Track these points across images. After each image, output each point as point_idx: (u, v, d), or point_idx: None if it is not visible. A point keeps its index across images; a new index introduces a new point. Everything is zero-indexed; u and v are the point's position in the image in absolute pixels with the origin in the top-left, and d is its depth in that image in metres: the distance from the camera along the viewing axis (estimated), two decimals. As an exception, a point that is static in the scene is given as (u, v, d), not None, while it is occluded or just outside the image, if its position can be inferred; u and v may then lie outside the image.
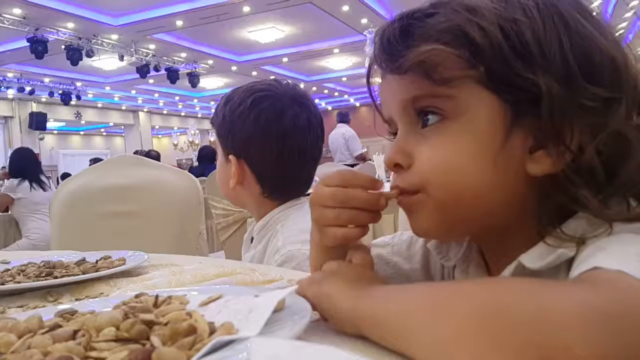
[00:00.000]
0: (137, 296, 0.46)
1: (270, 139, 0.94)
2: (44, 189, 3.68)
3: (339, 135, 5.84)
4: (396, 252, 0.62)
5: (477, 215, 0.46)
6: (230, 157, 0.96)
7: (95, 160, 6.19)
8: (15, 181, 3.63)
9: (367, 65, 0.52)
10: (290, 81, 1.03)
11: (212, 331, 0.36)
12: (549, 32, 0.42)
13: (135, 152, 6.47)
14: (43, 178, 3.81)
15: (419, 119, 0.47)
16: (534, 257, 0.41)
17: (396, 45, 0.45)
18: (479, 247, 0.53)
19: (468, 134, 0.44)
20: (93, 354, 0.34)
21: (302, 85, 10.65)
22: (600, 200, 0.40)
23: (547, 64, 0.42)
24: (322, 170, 1.02)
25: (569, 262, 0.39)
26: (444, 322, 0.31)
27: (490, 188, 0.44)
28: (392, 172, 0.49)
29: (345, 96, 15.20)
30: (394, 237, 0.64)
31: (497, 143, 0.43)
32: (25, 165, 3.71)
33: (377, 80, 0.51)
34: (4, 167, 6.75)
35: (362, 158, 5.70)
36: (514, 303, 0.29)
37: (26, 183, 3.61)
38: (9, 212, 3.69)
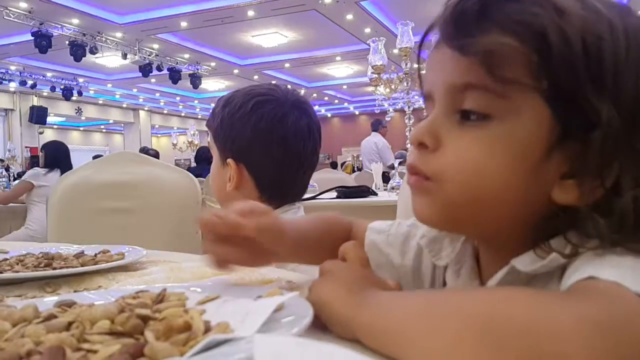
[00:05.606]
0: (138, 292, 0.45)
1: (271, 144, 0.93)
2: None
3: (371, 143, 5.80)
4: (391, 242, 0.60)
5: (485, 223, 0.44)
6: (229, 161, 0.95)
7: (96, 158, 6.19)
8: (43, 170, 3.68)
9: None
10: (290, 86, 1.02)
11: (208, 330, 0.36)
12: (630, 63, 0.39)
13: (141, 150, 6.51)
14: None
15: (461, 105, 0.43)
16: (527, 261, 0.41)
17: (469, 22, 0.41)
18: (473, 249, 0.51)
19: (508, 140, 0.41)
20: (85, 345, 0.34)
21: (302, 92, 10.69)
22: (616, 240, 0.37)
23: (617, 95, 0.38)
24: (319, 177, 1.01)
25: (563, 267, 0.38)
26: (440, 333, 0.30)
27: (509, 202, 0.42)
28: (414, 149, 0.45)
29: (345, 104, 15.26)
30: (391, 226, 0.61)
31: (535, 159, 0.40)
32: (61, 157, 3.83)
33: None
34: (2, 160, 6.72)
35: (392, 167, 5.70)
36: (510, 314, 0.29)
37: (56, 174, 3.61)
38: (24, 203, 3.70)
